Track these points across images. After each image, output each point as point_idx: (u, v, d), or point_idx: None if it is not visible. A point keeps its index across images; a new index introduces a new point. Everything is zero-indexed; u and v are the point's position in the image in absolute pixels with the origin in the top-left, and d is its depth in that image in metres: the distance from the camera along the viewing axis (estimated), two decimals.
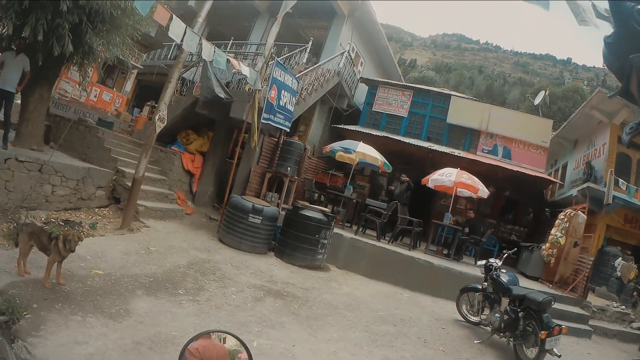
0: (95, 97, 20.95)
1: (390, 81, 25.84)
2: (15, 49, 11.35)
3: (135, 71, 23.37)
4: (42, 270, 6.91)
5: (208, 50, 11.29)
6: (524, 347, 8.59)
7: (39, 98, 12.56)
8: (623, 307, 15.48)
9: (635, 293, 16.64)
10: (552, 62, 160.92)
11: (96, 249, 9.07)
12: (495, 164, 19.85)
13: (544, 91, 32.91)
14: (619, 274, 17.15)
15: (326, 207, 15.82)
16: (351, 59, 23.51)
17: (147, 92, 22.68)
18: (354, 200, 17.39)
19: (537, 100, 31.01)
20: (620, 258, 17.65)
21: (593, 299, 15.42)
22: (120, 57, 13.86)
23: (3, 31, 11.21)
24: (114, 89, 22.42)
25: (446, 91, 27.01)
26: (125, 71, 22.30)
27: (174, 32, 9.86)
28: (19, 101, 12.78)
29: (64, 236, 6.95)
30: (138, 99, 27.53)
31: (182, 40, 10.13)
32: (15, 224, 8.80)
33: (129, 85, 23.88)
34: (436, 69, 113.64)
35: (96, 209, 12.37)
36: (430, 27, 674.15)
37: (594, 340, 12.49)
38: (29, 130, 12.46)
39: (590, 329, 12.94)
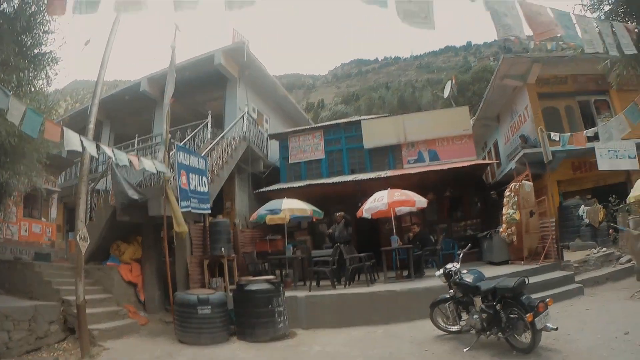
0: (25, 231, 20.80)
1: (296, 128, 26.04)
2: None
3: (55, 195, 22.98)
4: None
5: (109, 150, 11.16)
6: (515, 336, 8.34)
7: None
8: (604, 249, 15.74)
9: (611, 231, 16.97)
10: (453, 52, 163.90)
11: None
12: (424, 170, 19.93)
13: (449, 81, 33.33)
14: (587, 220, 17.62)
15: (273, 274, 15.60)
16: (253, 119, 23.62)
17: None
18: (299, 258, 17.15)
19: (446, 93, 31.58)
20: (583, 205, 18.04)
21: (572, 256, 15.65)
22: (34, 184, 13.64)
23: None
24: (42, 219, 22.07)
25: (355, 118, 27.28)
26: (46, 198, 21.84)
27: (72, 144, 9.62)
28: None
29: None
30: (69, 222, 26.69)
31: (83, 149, 9.94)
32: None
33: (54, 212, 23.58)
34: (345, 101, 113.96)
35: (55, 345, 11.89)
36: (326, 62, 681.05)
37: (588, 294, 12.56)
38: None
39: (580, 284, 13.01)
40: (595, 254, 15.34)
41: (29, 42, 11.54)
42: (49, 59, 12.04)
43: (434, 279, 12.18)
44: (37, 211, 22.08)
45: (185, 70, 20.41)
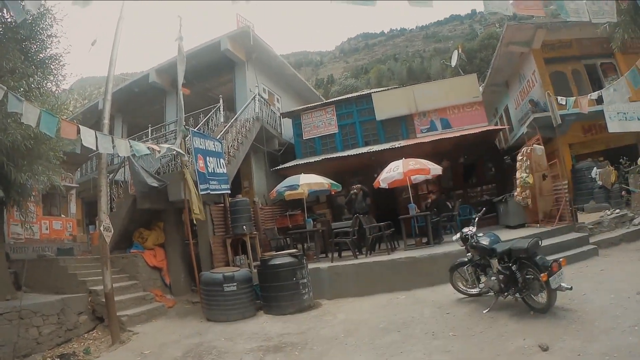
0: (47, 229, 20.92)
1: (308, 105, 26.06)
2: None
3: (72, 191, 23.24)
4: None
5: (123, 146, 11.29)
6: (532, 296, 8.49)
7: None
8: (617, 210, 15.65)
9: (623, 192, 16.82)
10: (459, 20, 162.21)
11: None
12: (437, 138, 19.94)
13: (456, 50, 33.16)
14: (600, 182, 17.47)
15: (295, 248, 15.82)
16: (265, 100, 23.69)
17: (94, 206, 22.57)
18: (319, 231, 17.14)
19: (454, 62, 31.30)
20: (595, 167, 17.89)
21: (586, 218, 15.60)
22: (52, 183, 13.77)
23: None
24: (61, 215, 22.29)
25: (365, 91, 27.20)
26: (64, 195, 22.09)
27: (88, 141, 9.89)
28: None
29: None
30: (88, 216, 27.12)
31: (96, 146, 10.15)
32: None
33: (73, 207, 23.76)
34: (354, 75, 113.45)
35: (85, 335, 12.24)
36: (332, 38, 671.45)
37: (602, 255, 12.50)
38: None
39: (594, 246, 12.95)
40: (609, 215, 15.31)
41: (33, 48, 11.84)
42: (56, 62, 12.37)
43: (452, 245, 12.49)
44: (56, 208, 22.26)
45: (192, 59, 20.48)
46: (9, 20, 10.72)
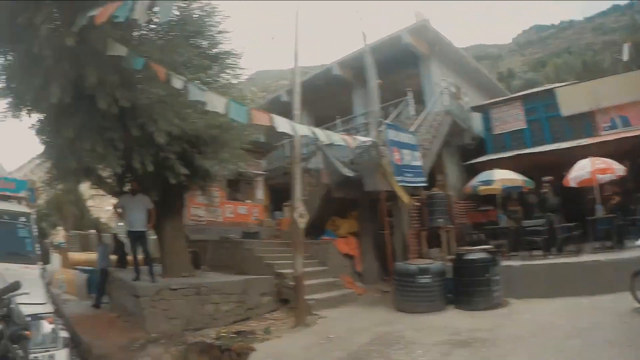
0: (231, 213, 22.05)
1: (496, 99, 25.84)
2: (130, 191, 12.60)
3: (259, 178, 24.48)
4: None
5: (322, 134, 12.10)
6: None
7: (172, 230, 13.89)
8: None
9: None
10: (620, 11, 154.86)
11: (275, 351, 9.64)
12: (620, 137, 19.43)
13: (625, 45, 31.90)
14: None
15: (488, 244, 15.81)
16: (452, 93, 23.62)
17: (281, 193, 23.35)
18: (512, 228, 17.17)
19: (625, 57, 30.17)
20: None
21: None
22: (238, 170, 14.96)
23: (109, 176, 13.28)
24: (246, 201, 23.48)
25: (547, 86, 26.64)
26: (250, 181, 23.32)
27: (283, 127, 10.70)
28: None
29: (234, 350, 7.55)
30: (275, 202, 27.89)
31: (294, 131, 11.07)
32: (184, 346, 9.15)
33: (259, 193, 24.86)
34: (532, 69, 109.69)
35: (266, 315, 13.06)
36: (507, 30, 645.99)
37: None
38: (174, 261, 13.87)
39: None
40: None
41: (204, 44, 12.80)
42: (233, 57, 13.49)
43: (638, 250, 12.04)
44: (241, 194, 23.48)
45: (372, 52, 21.02)
46: (175, 18, 11.47)
